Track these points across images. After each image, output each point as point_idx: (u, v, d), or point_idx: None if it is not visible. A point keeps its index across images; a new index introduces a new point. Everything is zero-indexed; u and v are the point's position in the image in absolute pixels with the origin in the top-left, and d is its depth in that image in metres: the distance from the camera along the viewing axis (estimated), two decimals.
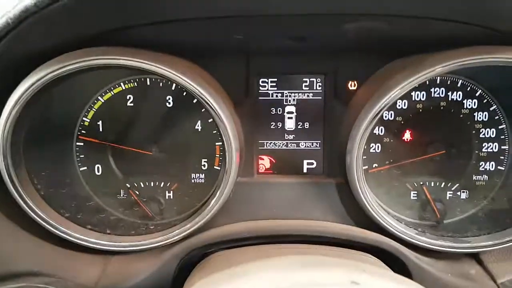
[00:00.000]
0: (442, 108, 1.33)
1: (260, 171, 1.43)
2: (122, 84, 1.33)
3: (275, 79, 1.38)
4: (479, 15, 1.03)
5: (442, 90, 1.32)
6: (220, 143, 1.32)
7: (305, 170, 1.42)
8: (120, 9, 0.99)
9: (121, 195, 1.38)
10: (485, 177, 1.36)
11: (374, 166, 1.37)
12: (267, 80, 1.38)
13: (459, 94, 1.32)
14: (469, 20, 1.06)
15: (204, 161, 1.38)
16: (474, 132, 1.34)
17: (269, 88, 1.38)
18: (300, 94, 1.38)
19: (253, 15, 1.04)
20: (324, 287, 0.73)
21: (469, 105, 1.33)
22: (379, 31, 1.11)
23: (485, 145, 1.35)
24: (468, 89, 1.32)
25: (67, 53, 1.08)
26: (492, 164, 1.36)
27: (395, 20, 1.05)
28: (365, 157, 1.34)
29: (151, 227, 1.32)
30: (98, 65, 1.07)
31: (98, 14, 1.00)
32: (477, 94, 1.32)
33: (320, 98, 1.38)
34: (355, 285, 0.76)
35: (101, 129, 1.35)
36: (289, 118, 1.40)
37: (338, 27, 1.09)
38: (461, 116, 1.33)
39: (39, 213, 1.17)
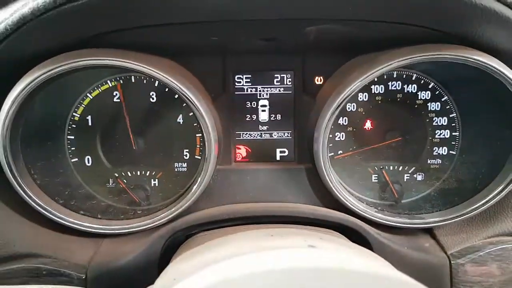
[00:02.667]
0: (398, 99, 1.44)
1: (237, 159, 1.53)
2: (109, 81, 1.42)
3: (250, 76, 1.47)
4: (428, 19, 1.16)
5: (399, 84, 1.43)
6: (200, 135, 1.43)
7: (278, 158, 1.53)
8: (107, 16, 1.09)
9: (110, 184, 1.47)
10: (438, 160, 1.48)
11: (339, 152, 1.48)
12: (242, 77, 1.48)
13: (414, 87, 1.43)
14: (418, 23, 1.18)
15: (186, 151, 1.47)
16: (427, 120, 1.45)
17: (244, 84, 1.49)
18: (272, 88, 1.49)
19: (228, 19, 1.15)
20: (283, 248, 0.84)
21: (423, 96, 1.44)
22: (337, 33, 1.23)
23: (437, 132, 1.46)
24: (422, 82, 1.43)
25: (59, 55, 1.17)
26: (445, 149, 1.47)
27: (349, 24, 1.17)
28: (331, 144, 1.46)
29: (139, 212, 1.41)
30: (88, 65, 1.16)
31: (87, 21, 1.10)
32: (430, 87, 1.43)
33: (290, 92, 1.48)
34: (311, 248, 0.88)
35: (90, 124, 1.44)
36: (262, 110, 1.51)
37: (301, 29, 1.21)
38: (416, 106, 1.44)
39: (37, 200, 1.25)
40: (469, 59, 1.16)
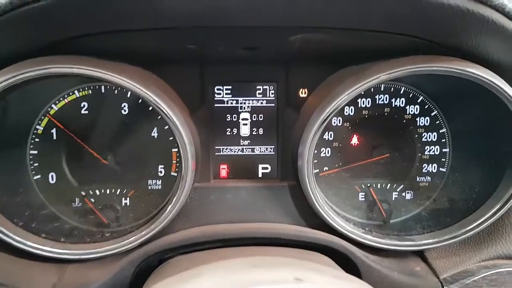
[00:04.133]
0: (386, 114, 1.39)
1: (216, 176, 1.45)
2: (76, 91, 1.33)
3: (230, 87, 1.41)
4: (415, 28, 1.10)
5: (386, 97, 1.38)
6: (177, 150, 1.33)
7: (260, 175, 1.46)
8: (71, 20, 1.01)
9: (76, 203, 1.37)
10: (428, 178, 1.43)
11: (324, 169, 1.42)
12: (222, 88, 1.41)
13: (402, 101, 1.39)
14: (406, 32, 1.13)
15: (161, 168, 1.39)
16: (416, 136, 1.41)
17: (224, 96, 1.41)
18: (254, 101, 1.42)
19: (205, 26, 1.07)
20: (268, 284, 0.76)
21: (412, 111, 1.39)
22: (323, 43, 1.17)
23: (427, 148, 1.42)
24: (410, 95, 1.39)
25: (22, 62, 1.08)
26: (434, 166, 1.43)
27: (335, 32, 1.11)
28: (316, 161, 1.40)
29: (107, 234, 1.31)
30: (53, 73, 1.07)
31: (50, 25, 1.01)
32: (419, 100, 1.39)
33: (273, 105, 1.42)
34: (298, 282, 0.80)
35: (55, 137, 1.34)
36: (244, 124, 1.44)
37: (285, 38, 1.14)
38: (404, 121, 1.40)
39: None
40: (463, 72, 1.11)
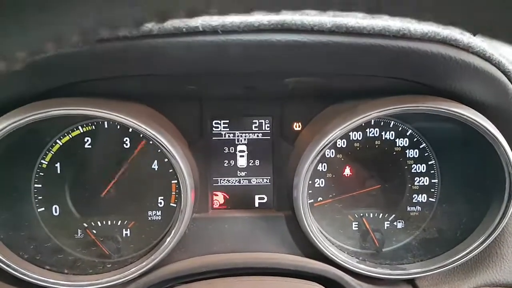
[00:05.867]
0: (377, 146, 1.43)
1: (214, 206, 1.49)
2: (80, 127, 1.37)
3: (227, 121, 1.45)
4: (403, 72, 1.17)
5: (377, 130, 1.42)
6: (176, 181, 1.36)
7: (256, 205, 1.50)
8: (80, 66, 1.07)
9: (78, 235, 1.39)
10: (418, 208, 1.46)
11: (319, 199, 1.45)
12: (220, 122, 1.46)
13: (392, 134, 1.43)
14: (394, 75, 1.19)
15: (161, 199, 1.42)
16: (406, 167, 1.45)
17: (222, 129, 1.46)
18: (250, 134, 1.47)
19: (207, 73, 1.14)
20: None
21: (401, 143, 1.43)
22: (315, 84, 1.23)
23: (416, 179, 1.45)
24: (400, 129, 1.43)
25: (30, 104, 1.13)
26: (424, 196, 1.46)
27: (326, 76, 1.17)
28: (310, 191, 1.43)
29: (108, 266, 1.33)
30: (59, 115, 1.12)
31: (53, 73, 1.07)
32: (407, 134, 1.43)
33: (269, 137, 1.46)
34: None
35: (59, 171, 1.37)
36: (241, 156, 1.48)
37: (279, 80, 1.21)
38: (394, 153, 1.44)
39: None
40: (448, 112, 1.16)
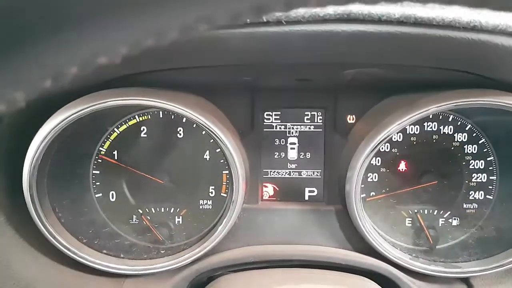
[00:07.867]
0: (434, 141, 1.39)
1: (264, 198, 1.49)
2: (137, 116, 1.40)
3: (279, 113, 1.45)
4: (469, 65, 1.12)
5: (435, 125, 1.39)
6: (227, 172, 1.40)
7: (306, 198, 1.49)
8: (143, 59, 1.08)
9: (133, 220, 1.44)
10: (475, 205, 1.42)
11: (371, 194, 1.43)
12: (271, 114, 1.46)
13: (450, 128, 1.39)
14: (459, 68, 1.14)
15: (212, 189, 1.44)
16: (464, 163, 1.40)
17: (273, 121, 1.46)
18: (302, 126, 1.46)
19: (263, 63, 1.13)
20: None
21: (460, 138, 1.39)
22: (375, 75, 1.20)
23: (474, 176, 1.41)
24: (459, 123, 1.39)
25: (89, 95, 1.16)
26: (481, 194, 1.41)
27: (388, 67, 1.14)
28: (363, 186, 1.40)
29: (162, 251, 1.37)
30: (117, 105, 1.16)
31: (125, 63, 1.09)
32: (467, 128, 1.39)
33: (321, 130, 1.45)
34: None
35: (116, 158, 1.41)
36: (291, 148, 1.48)
37: (338, 72, 1.18)
38: (452, 148, 1.40)
39: (60, 240, 1.22)
40: None
